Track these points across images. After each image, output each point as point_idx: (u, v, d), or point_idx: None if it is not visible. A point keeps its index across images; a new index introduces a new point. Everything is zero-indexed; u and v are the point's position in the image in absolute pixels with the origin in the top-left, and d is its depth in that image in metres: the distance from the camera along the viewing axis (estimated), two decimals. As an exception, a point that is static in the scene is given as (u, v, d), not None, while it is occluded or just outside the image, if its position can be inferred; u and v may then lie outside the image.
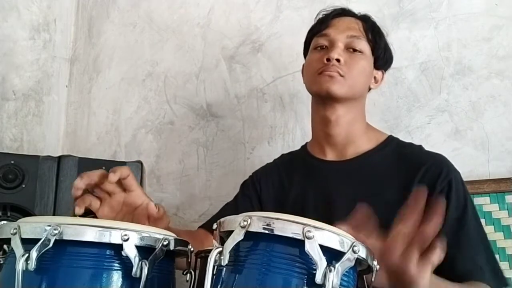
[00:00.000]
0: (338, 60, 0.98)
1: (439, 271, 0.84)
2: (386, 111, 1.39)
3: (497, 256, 1.16)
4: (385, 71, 1.12)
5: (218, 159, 1.53)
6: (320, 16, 1.10)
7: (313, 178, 1.05)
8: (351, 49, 1.01)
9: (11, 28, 1.54)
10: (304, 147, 1.15)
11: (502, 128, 1.29)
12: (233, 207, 1.11)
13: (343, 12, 1.08)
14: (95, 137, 1.67)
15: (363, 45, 1.02)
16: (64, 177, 1.21)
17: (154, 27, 1.68)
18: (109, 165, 1.25)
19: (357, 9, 1.45)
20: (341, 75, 0.98)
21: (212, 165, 1.53)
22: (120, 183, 0.84)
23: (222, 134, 1.54)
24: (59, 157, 1.23)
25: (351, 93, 1.00)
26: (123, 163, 1.28)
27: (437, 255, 0.64)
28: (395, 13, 1.43)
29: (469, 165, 1.27)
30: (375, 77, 1.08)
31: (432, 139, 1.31)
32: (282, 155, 1.19)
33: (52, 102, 1.66)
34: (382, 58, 1.07)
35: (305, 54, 1.13)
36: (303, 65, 1.12)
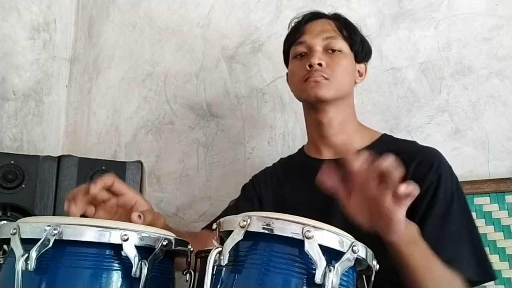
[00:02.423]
0: (320, 65, 1.01)
1: None
2: (386, 111, 1.39)
3: (496, 256, 1.17)
4: (367, 62, 1.14)
5: (218, 159, 1.53)
6: (293, 24, 1.13)
7: (309, 177, 1.05)
8: (330, 50, 1.04)
9: (11, 28, 1.54)
10: (301, 149, 1.17)
11: (502, 128, 1.29)
12: (234, 209, 1.11)
13: (314, 16, 1.10)
14: (95, 137, 1.67)
15: (341, 44, 1.05)
16: (64, 177, 1.21)
17: (154, 27, 1.68)
18: (109, 165, 1.26)
19: (357, 9, 1.46)
20: (326, 78, 1.01)
21: (212, 165, 1.53)
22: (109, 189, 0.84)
23: (222, 134, 1.54)
24: (59, 157, 1.23)
25: (339, 93, 1.03)
26: (123, 163, 1.28)
27: (408, 188, 0.65)
28: (395, 13, 1.43)
29: (469, 165, 1.27)
30: (358, 71, 1.10)
31: (432, 139, 1.31)
32: (281, 159, 1.20)
33: (52, 102, 1.66)
34: (361, 52, 1.09)
35: (286, 62, 1.15)
36: (287, 74, 1.14)
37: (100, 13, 1.76)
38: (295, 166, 1.13)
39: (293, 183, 1.09)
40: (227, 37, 1.59)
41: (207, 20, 1.63)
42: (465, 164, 1.27)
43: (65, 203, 0.79)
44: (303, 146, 1.17)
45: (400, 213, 0.66)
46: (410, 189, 0.65)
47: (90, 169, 1.23)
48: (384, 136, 1.07)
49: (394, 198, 0.65)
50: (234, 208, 1.13)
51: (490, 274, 0.87)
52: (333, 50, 1.04)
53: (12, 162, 1.16)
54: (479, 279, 0.86)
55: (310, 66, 1.01)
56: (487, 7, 1.35)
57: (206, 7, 1.63)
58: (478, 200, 1.21)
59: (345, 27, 1.07)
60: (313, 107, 1.05)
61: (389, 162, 0.64)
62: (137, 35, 1.70)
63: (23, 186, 1.16)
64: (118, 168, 1.26)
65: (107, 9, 1.75)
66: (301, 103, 1.13)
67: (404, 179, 0.92)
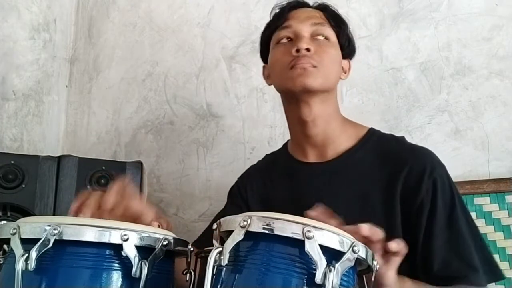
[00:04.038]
0: (308, 50, 0.91)
1: (432, 273, 0.83)
2: (386, 111, 1.39)
3: (496, 256, 1.17)
4: (350, 60, 1.06)
5: (218, 159, 1.53)
6: (276, 10, 1.03)
7: (295, 182, 1.01)
8: (318, 36, 0.95)
9: (11, 28, 1.54)
10: (285, 148, 1.10)
11: (502, 128, 1.29)
12: (221, 218, 1.07)
13: (299, 4, 1.02)
14: (95, 137, 1.67)
15: (329, 32, 0.97)
16: (64, 177, 1.21)
17: (154, 27, 1.68)
18: (109, 165, 1.25)
19: (358, 9, 1.46)
20: (314, 66, 0.91)
21: (212, 165, 1.53)
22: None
23: (222, 134, 1.54)
24: (59, 157, 1.23)
25: (327, 84, 0.94)
26: (123, 163, 1.28)
27: (397, 245, 0.65)
28: (395, 13, 1.43)
29: (469, 165, 1.27)
30: (342, 67, 1.02)
31: (432, 139, 1.31)
32: (266, 155, 1.16)
33: (52, 102, 1.66)
34: (347, 46, 1.01)
35: (264, 56, 1.06)
36: (264, 67, 1.06)
37: (100, 13, 1.76)
38: (280, 168, 1.06)
39: (278, 187, 1.03)
40: (227, 37, 1.59)
41: (207, 20, 1.63)
42: (465, 164, 1.27)
43: (73, 206, 0.75)
44: (287, 142, 1.10)
45: (391, 275, 0.66)
46: (400, 247, 0.64)
47: (90, 169, 1.23)
48: (371, 133, 1.01)
49: (383, 258, 0.64)
50: (221, 217, 1.06)
51: (498, 275, 0.86)
52: (321, 37, 0.95)
53: (12, 162, 1.16)
54: (489, 282, 0.84)
55: (297, 51, 0.91)
56: (487, 7, 1.35)
57: (206, 7, 1.63)
58: (478, 200, 1.21)
59: (333, 17, 1.00)
60: (297, 101, 0.95)
61: (369, 230, 0.63)
62: (137, 35, 1.70)
63: (23, 186, 1.16)
64: (118, 168, 1.26)
65: (107, 9, 1.75)
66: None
67: (395, 185, 0.89)
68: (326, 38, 0.96)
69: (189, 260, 0.65)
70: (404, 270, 0.78)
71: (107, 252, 0.56)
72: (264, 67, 1.07)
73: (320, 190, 0.95)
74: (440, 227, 0.85)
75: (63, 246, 0.55)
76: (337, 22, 0.99)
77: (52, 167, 1.21)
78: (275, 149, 1.47)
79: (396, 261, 0.66)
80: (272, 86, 0.99)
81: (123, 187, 0.78)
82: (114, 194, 0.75)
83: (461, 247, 0.85)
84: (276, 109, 1.50)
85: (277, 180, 1.05)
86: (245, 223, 0.53)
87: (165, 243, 0.59)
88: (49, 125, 1.64)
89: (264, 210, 0.99)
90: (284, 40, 0.97)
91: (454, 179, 0.93)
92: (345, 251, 0.53)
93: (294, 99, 0.96)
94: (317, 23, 0.96)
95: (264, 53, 1.05)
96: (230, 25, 1.60)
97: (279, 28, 0.98)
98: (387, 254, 0.65)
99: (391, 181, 0.90)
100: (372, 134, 1.00)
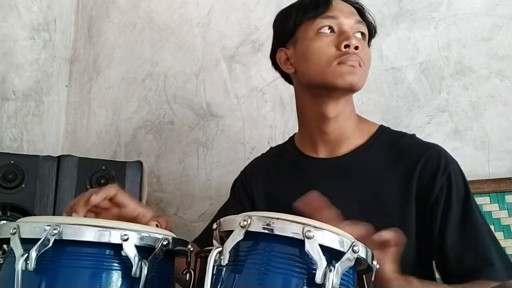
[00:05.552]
0: (356, 48, 0.88)
1: (448, 269, 0.83)
2: (386, 111, 1.39)
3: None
4: None
5: (218, 159, 1.53)
6: None
7: (304, 177, 0.99)
8: (356, 34, 0.92)
9: (11, 28, 1.54)
10: (292, 141, 1.07)
11: (502, 128, 1.29)
12: (222, 215, 1.04)
13: None
14: (95, 137, 1.67)
15: (365, 31, 0.95)
16: (64, 177, 1.21)
17: (154, 27, 1.68)
18: (109, 165, 1.26)
19: (357, 9, 1.46)
20: (360, 65, 0.89)
21: (212, 165, 1.53)
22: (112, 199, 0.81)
23: (222, 134, 1.54)
24: (59, 157, 1.23)
25: (364, 84, 0.92)
26: (123, 163, 1.28)
27: (387, 234, 0.66)
28: (395, 13, 1.43)
29: (469, 165, 1.27)
30: None
31: (432, 139, 1.29)
32: (271, 148, 1.14)
33: (52, 102, 1.66)
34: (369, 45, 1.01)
35: (282, 38, 1.00)
36: (281, 50, 0.99)
37: (100, 13, 1.76)
38: (287, 163, 1.04)
39: (285, 181, 1.01)
40: (227, 37, 1.59)
41: (207, 20, 1.63)
42: (465, 164, 1.25)
43: (64, 214, 0.77)
44: (294, 137, 1.08)
45: (386, 265, 0.67)
46: (388, 236, 0.66)
47: (90, 169, 1.23)
48: (381, 130, 1.00)
49: (379, 248, 0.65)
50: (224, 214, 1.03)
51: None
52: (359, 35, 0.93)
53: (12, 162, 1.16)
54: (508, 278, 0.82)
55: (346, 46, 0.88)
56: (487, 7, 1.35)
57: (206, 7, 1.63)
58: (478, 200, 1.20)
59: (365, 17, 0.99)
60: (324, 97, 0.93)
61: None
62: (137, 35, 1.70)
63: (23, 186, 1.16)
64: (118, 168, 1.26)
65: (107, 9, 1.75)
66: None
67: (411, 181, 0.89)
68: (363, 37, 0.95)
69: (189, 260, 0.65)
70: (420, 271, 0.79)
71: (107, 252, 0.56)
72: (281, 50, 1.00)
73: (330, 186, 0.93)
74: (454, 222, 0.85)
75: (63, 246, 0.55)
76: (368, 22, 0.98)
77: (52, 167, 1.21)
78: (275, 149, 1.46)
79: (392, 251, 0.66)
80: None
81: (115, 193, 0.80)
82: (102, 197, 0.77)
83: (476, 241, 0.84)
84: (276, 109, 1.50)
85: (283, 174, 1.03)
86: (245, 223, 0.53)
87: (165, 243, 0.59)
88: (49, 125, 1.64)
89: (269, 205, 1.01)
90: (326, 30, 0.91)
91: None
92: (345, 251, 0.53)
93: (322, 94, 0.93)
94: (359, 20, 0.94)
95: (284, 35, 0.99)
96: (230, 25, 1.60)
97: (321, 15, 0.92)
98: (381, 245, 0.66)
99: (406, 177, 0.90)
100: (383, 131, 1.00)
